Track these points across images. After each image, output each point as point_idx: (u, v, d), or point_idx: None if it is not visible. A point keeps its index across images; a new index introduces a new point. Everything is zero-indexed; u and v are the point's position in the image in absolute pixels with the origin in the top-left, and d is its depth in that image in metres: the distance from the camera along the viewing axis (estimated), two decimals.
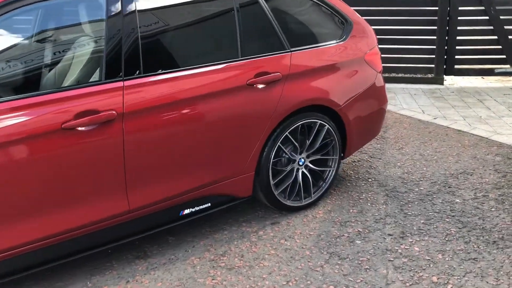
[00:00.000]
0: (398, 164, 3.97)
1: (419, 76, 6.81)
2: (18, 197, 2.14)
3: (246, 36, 2.80)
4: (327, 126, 3.13)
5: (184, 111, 2.52)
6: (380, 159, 4.08)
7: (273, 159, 2.94)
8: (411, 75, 6.83)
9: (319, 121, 3.08)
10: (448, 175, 3.74)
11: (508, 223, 3.04)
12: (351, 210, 3.22)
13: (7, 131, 2.06)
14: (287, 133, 2.95)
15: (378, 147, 4.36)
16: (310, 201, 3.21)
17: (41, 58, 2.46)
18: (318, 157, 3.21)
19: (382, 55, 6.60)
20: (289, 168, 3.07)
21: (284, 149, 2.98)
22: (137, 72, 2.40)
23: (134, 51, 2.39)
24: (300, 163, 3.12)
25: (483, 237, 2.89)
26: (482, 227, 2.99)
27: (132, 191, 2.44)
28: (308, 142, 3.10)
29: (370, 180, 3.67)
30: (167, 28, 2.58)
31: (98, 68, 2.34)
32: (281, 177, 3.04)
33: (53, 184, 2.21)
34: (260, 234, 2.93)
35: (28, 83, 2.35)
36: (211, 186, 2.75)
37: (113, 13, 2.36)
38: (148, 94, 2.40)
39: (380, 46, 6.56)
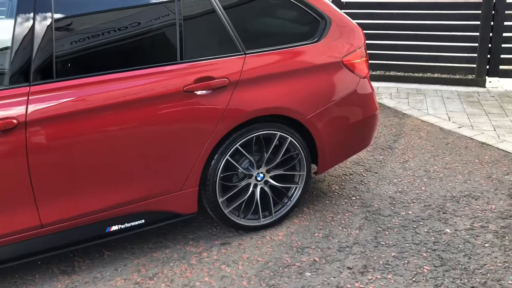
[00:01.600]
0: (395, 180, 3.50)
1: (457, 77, 6.13)
2: None
3: (189, 36, 2.50)
4: (290, 138, 2.76)
5: (104, 120, 2.27)
6: (376, 173, 3.63)
7: (223, 174, 2.64)
8: (448, 76, 6.17)
9: (279, 133, 2.73)
10: (449, 197, 3.23)
11: (499, 264, 2.53)
12: (317, 234, 2.84)
13: None
14: (237, 145, 2.63)
15: (380, 158, 3.89)
16: (271, 220, 2.87)
17: None
18: (281, 172, 2.86)
19: (417, 52, 6.06)
20: (243, 183, 2.75)
21: (235, 163, 2.66)
22: (49, 77, 2.19)
23: (45, 53, 2.18)
24: (259, 178, 2.79)
25: (460, 280, 2.41)
26: (465, 267, 2.51)
27: (43, 205, 2.24)
28: (266, 156, 2.76)
29: (353, 198, 3.26)
30: (90, 26, 2.34)
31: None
32: (232, 193, 2.73)
33: None
34: (203, 256, 2.65)
35: None
36: (144, 202, 2.50)
37: (24, 10, 2.16)
38: (58, 101, 2.19)
39: (414, 42, 6.05)
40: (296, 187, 2.92)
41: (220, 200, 2.68)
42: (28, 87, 2.14)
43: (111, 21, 2.40)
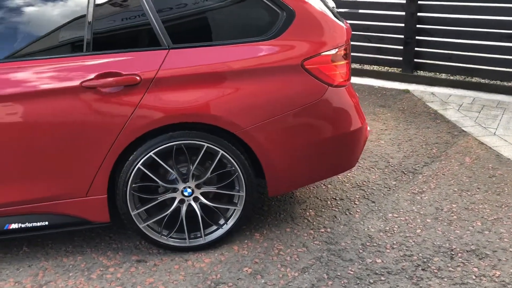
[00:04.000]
0: (389, 215, 2.82)
1: None
2: None
3: (99, 25, 2.20)
4: (222, 152, 2.33)
5: None
6: (373, 202, 2.97)
7: (136, 184, 2.32)
8: None
9: (207, 145, 2.31)
10: (443, 250, 2.49)
11: None
12: (246, 269, 2.38)
13: None
14: (151, 153, 2.28)
15: (391, 184, 3.20)
16: (201, 243, 2.48)
17: None
18: (213, 189, 2.44)
19: (507, 56, 4.87)
20: (164, 197, 2.40)
21: (150, 174, 2.32)
22: None
23: None
24: (186, 194, 2.41)
25: None
26: None
27: None
28: (191, 169, 2.36)
29: (322, 230, 2.69)
30: None
31: None
32: (148, 207, 2.40)
33: None
34: (108, 271, 2.37)
35: None
36: (46, 203, 2.30)
37: None
38: None
39: (505, 44, 4.87)
40: (234, 210, 2.48)
41: (132, 212, 2.37)
42: None
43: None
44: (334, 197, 3.05)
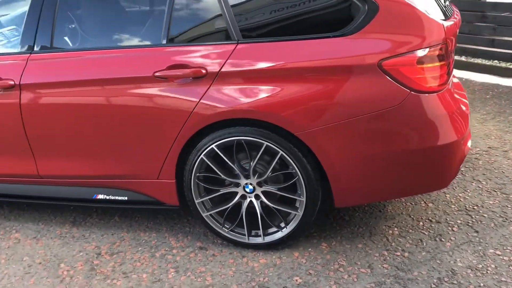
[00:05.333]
0: (489, 252, 2.35)
1: None
2: None
3: (178, 18, 2.28)
4: (281, 152, 2.22)
5: (85, 93, 2.37)
6: (475, 232, 2.50)
7: (200, 173, 2.37)
8: None
9: (266, 143, 2.22)
10: None
11: None
12: (296, 279, 2.25)
13: None
14: (213, 146, 2.29)
15: (511, 216, 2.64)
16: (259, 242, 2.43)
17: None
18: (274, 190, 2.34)
19: None
20: (225, 190, 2.40)
21: (212, 165, 2.34)
22: (46, 46, 2.43)
23: (46, 26, 2.42)
24: (248, 190, 2.38)
25: None
26: None
27: (39, 158, 2.56)
28: (251, 165, 2.31)
29: (398, 253, 2.37)
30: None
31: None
32: (210, 197, 2.43)
33: None
34: (171, 253, 2.49)
35: None
36: (126, 180, 2.52)
37: None
38: (46, 70, 2.41)
39: None
40: (294, 215, 2.35)
41: (196, 200, 2.44)
42: (29, 54, 2.44)
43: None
44: (430, 218, 2.66)
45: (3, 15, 2.68)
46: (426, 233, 2.53)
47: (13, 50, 2.53)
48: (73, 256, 2.51)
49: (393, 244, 2.46)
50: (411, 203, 2.81)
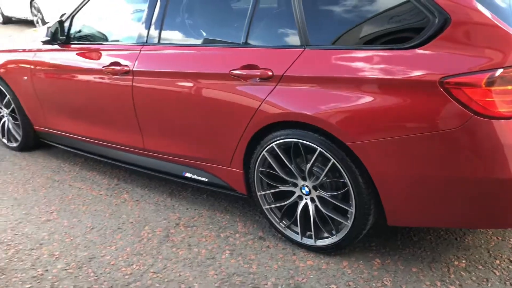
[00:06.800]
0: None
1: None
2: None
3: (257, 20, 2.41)
4: (333, 160, 2.22)
5: (178, 83, 2.70)
6: None
7: (263, 168, 2.51)
8: None
9: (319, 149, 2.25)
10: None
11: None
12: (333, 287, 2.25)
13: None
14: (273, 144, 2.40)
15: None
16: (311, 244, 2.48)
17: None
18: (326, 197, 2.35)
19: None
20: (283, 188, 2.50)
21: (272, 162, 2.45)
22: (155, 41, 2.82)
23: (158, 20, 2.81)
24: (304, 192, 2.44)
25: None
26: None
27: (145, 133, 3.00)
28: (306, 168, 2.35)
29: (453, 287, 2.18)
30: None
31: None
32: (269, 192, 2.55)
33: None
34: (230, 236, 2.70)
35: None
36: (206, 163, 2.80)
37: None
38: (152, 60, 2.81)
39: None
40: (344, 225, 2.34)
41: (258, 193, 2.59)
42: (142, 46, 2.87)
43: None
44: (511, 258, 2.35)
45: (135, 11, 3.17)
46: (498, 274, 2.25)
47: (132, 41, 2.99)
48: (157, 222, 2.91)
49: (452, 276, 2.26)
50: (497, 238, 2.51)
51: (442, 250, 2.45)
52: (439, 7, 1.95)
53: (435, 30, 1.95)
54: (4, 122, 4.15)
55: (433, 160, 2.00)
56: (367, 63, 2.08)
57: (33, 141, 4.04)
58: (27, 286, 2.39)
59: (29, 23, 12.32)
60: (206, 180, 2.87)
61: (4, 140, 4.22)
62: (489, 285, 2.19)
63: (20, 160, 3.98)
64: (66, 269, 2.51)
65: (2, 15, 13.26)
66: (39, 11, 11.03)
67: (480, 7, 1.90)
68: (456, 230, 2.59)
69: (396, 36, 2.07)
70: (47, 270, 2.50)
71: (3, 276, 2.47)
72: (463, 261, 2.36)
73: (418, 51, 1.98)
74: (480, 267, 2.31)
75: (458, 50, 1.91)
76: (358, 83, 2.10)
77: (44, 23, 10.71)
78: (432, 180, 2.03)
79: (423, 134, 1.98)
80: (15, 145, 4.13)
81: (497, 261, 2.34)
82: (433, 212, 2.11)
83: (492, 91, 1.85)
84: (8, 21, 13.38)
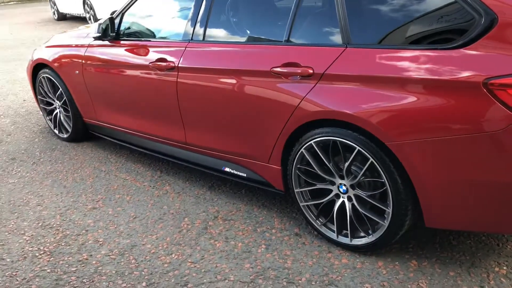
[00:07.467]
0: None
1: None
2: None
3: (300, 18, 2.44)
4: (372, 159, 2.22)
5: (220, 80, 2.75)
6: None
7: (300, 165, 2.54)
8: None
9: (358, 148, 2.25)
10: None
11: None
12: (367, 286, 2.25)
13: None
14: (312, 142, 2.42)
15: None
16: (346, 242, 2.48)
17: None
18: (363, 196, 2.35)
19: None
20: (320, 186, 2.51)
21: (310, 160, 2.47)
22: (200, 38, 2.90)
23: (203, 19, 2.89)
24: (341, 190, 2.45)
25: None
26: None
27: (187, 128, 3.09)
28: (344, 166, 2.36)
29: None
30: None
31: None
32: (306, 189, 2.57)
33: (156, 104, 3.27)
34: (267, 231, 2.75)
35: None
36: (245, 159, 2.85)
37: None
38: (196, 57, 2.88)
39: None
40: (381, 225, 2.33)
41: (296, 190, 2.62)
42: (187, 43, 2.96)
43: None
44: None
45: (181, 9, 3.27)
46: None
47: (178, 39, 3.08)
48: (197, 214, 3.00)
49: (491, 282, 2.21)
50: None
51: (482, 256, 2.40)
52: (486, 6, 1.91)
53: (481, 30, 1.92)
54: (57, 113, 4.36)
55: (474, 162, 1.96)
56: (410, 63, 2.07)
57: (82, 133, 4.23)
58: (73, 269, 2.52)
59: (82, 20, 12.82)
60: (245, 175, 2.92)
61: (56, 131, 4.44)
62: None
63: (70, 150, 4.18)
64: (109, 255, 2.62)
65: (57, 12, 13.87)
66: (91, 8, 11.47)
67: None
68: (498, 236, 2.53)
69: (440, 36, 2.04)
70: (91, 255, 2.63)
71: (52, 259, 2.62)
72: (504, 268, 2.30)
73: (463, 51, 1.95)
74: None
75: (504, 51, 1.87)
76: (400, 83, 2.09)
77: (96, 19, 11.12)
78: (472, 182, 1.99)
79: (465, 135, 1.95)
80: (65, 136, 4.33)
81: None
82: (472, 215, 2.07)
83: None
84: (62, 17, 13.98)
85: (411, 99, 2.06)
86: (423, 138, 2.04)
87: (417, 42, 2.10)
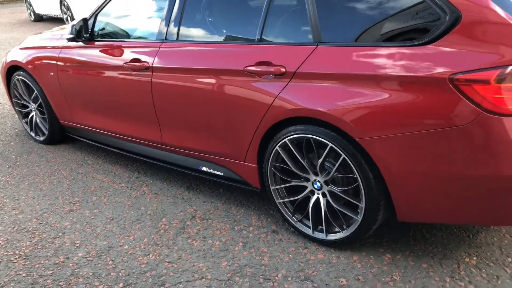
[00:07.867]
0: None
1: None
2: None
3: (271, 18, 2.46)
4: (344, 156, 2.25)
5: (195, 79, 2.76)
6: None
7: (276, 163, 2.56)
8: None
9: (331, 144, 2.28)
10: None
11: None
12: (342, 280, 2.29)
13: None
14: (286, 139, 2.45)
15: None
16: (322, 238, 2.52)
17: None
18: (337, 191, 2.39)
19: None
20: (295, 183, 2.54)
21: (284, 157, 2.50)
22: (173, 38, 2.90)
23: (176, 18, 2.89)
24: (315, 186, 2.48)
25: None
26: None
27: (163, 128, 3.09)
28: (318, 163, 2.39)
29: (461, 284, 2.18)
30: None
31: None
32: (282, 186, 2.60)
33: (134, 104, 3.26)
34: (243, 229, 2.77)
35: None
36: (222, 158, 2.87)
37: None
38: (170, 57, 2.88)
39: None
40: (354, 220, 2.37)
41: (271, 187, 2.65)
42: (161, 42, 2.95)
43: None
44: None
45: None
46: (509, 271, 2.25)
47: (152, 39, 3.08)
48: (175, 214, 3.00)
49: (462, 272, 2.27)
50: (511, 235, 2.50)
51: (453, 247, 2.45)
52: (451, 5, 1.96)
53: (446, 27, 1.96)
54: (32, 116, 4.31)
55: (442, 156, 2.01)
56: (379, 60, 2.11)
57: (59, 135, 4.19)
58: (49, 272, 2.51)
59: (59, 21, 12.65)
60: (222, 174, 2.93)
61: (32, 134, 4.39)
62: (499, 282, 2.19)
63: (46, 153, 4.14)
64: (86, 257, 2.61)
65: (34, 13, 13.66)
66: (68, 9, 11.33)
67: (494, 5, 1.90)
68: (470, 228, 2.59)
69: (408, 35, 2.09)
70: (68, 258, 2.62)
71: (27, 262, 2.60)
72: (474, 258, 2.36)
73: (428, 48, 1.99)
74: (491, 264, 2.31)
75: (468, 47, 1.92)
76: (369, 80, 2.12)
77: (73, 20, 10.99)
78: (441, 176, 2.04)
79: (434, 130, 1.99)
80: (42, 138, 4.29)
81: (509, 259, 2.33)
82: (442, 208, 2.12)
83: (502, 88, 1.86)
84: (39, 19, 13.78)
85: (381, 95, 2.10)
86: (393, 134, 2.08)
87: (386, 40, 2.14)
